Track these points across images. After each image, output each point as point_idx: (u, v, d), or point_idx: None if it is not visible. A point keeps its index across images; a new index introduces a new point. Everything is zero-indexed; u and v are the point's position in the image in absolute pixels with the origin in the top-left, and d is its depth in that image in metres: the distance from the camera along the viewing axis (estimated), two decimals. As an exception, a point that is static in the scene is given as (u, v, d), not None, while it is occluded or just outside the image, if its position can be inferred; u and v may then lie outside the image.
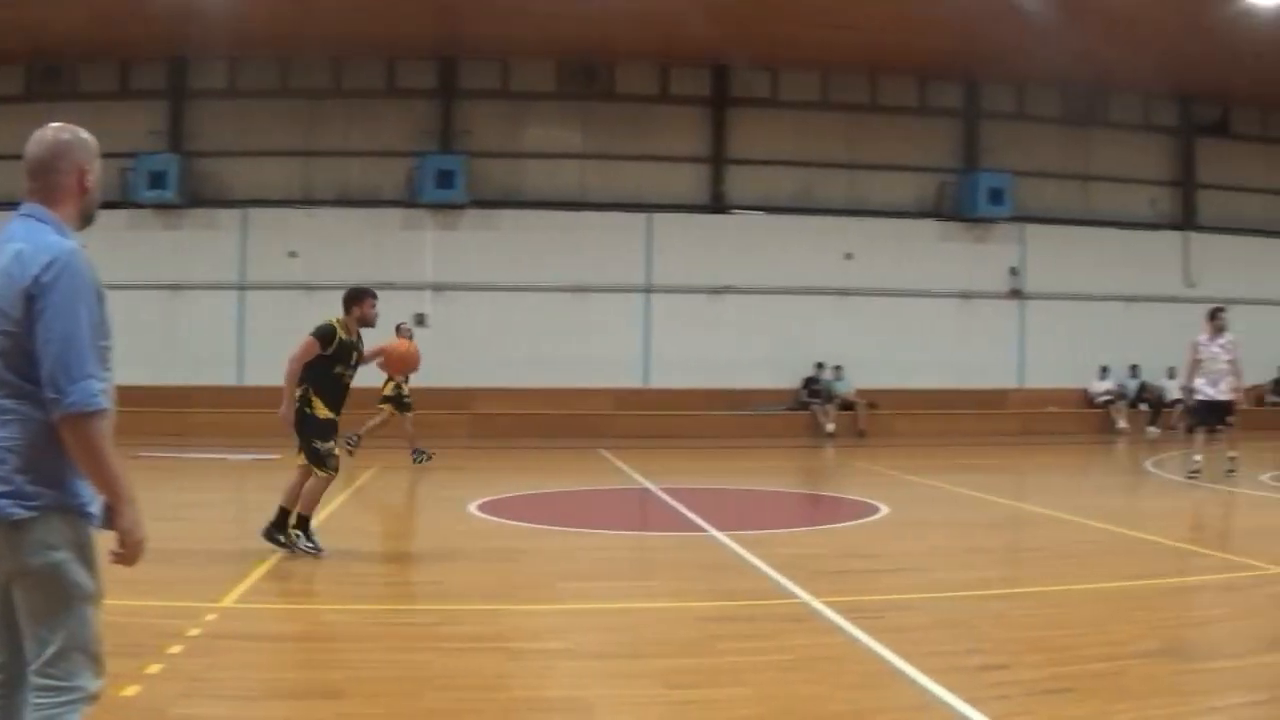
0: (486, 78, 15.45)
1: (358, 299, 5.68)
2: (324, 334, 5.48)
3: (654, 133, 15.43)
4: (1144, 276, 16.38)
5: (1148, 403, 16.27)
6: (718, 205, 15.48)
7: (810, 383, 15.27)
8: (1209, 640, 4.19)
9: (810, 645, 3.95)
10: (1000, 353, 15.87)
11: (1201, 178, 17.08)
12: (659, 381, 15.15)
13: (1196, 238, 16.85)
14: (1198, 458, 9.54)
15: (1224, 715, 3.20)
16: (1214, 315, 9.82)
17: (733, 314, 15.26)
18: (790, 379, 15.29)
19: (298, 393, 5.47)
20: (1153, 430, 15.69)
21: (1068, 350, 15.89)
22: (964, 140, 16.02)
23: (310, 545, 5.44)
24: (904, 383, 15.26)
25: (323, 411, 5.53)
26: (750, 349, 15.06)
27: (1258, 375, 16.72)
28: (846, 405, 15.17)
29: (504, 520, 5.89)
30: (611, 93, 15.50)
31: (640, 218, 15.25)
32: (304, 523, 5.49)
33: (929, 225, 15.74)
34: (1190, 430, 10.01)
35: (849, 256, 15.44)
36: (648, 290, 15.29)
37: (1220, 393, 9.51)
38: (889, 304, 15.47)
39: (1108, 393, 16.14)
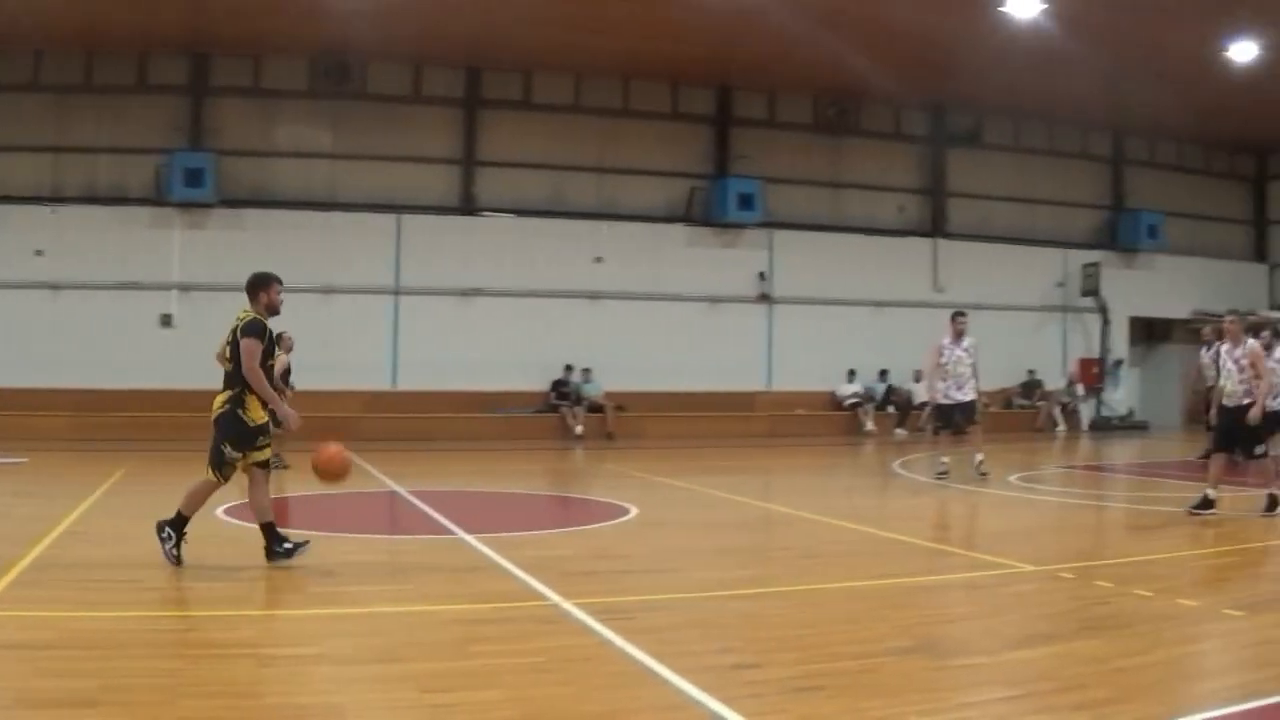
0: (238, 74, 16.76)
1: (264, 284, 5.72)
2: (257, 329, 5.58)
3: (406, 133, 17.03)
4: (893, 281, 18.88)
5: (895, 405, 18.71)
6: (468, 207, 17.21)
7: (559, 385, 17.18)
8: (960, 637, 4.59)
9: (563, 647, 4.22)
10: (749, 356, 18.09)
11: (952, 186, 19.71)
12: (408, 384, 16.81)
13: (945, 244, 19.42)
14: (945, 459, 10.72)
15: (977, 711, 3.49)
16: (955, 319, 10.90)
17: (482, 316, 17.01)
18: (540, 381, 17.16)
19: (230, 394, 5.60)
20: (900, 432, 18.10)
21: (816, 353, 18.21)
22: (715, 146, 18.14)
23: (173, 552, 5.57)
24: (653, 385, 17.27)
25: (257, 414, 5.63)
26: (500, 351, 16.84)
27: (1006, 379, 19.51)
28: (596, 408, 17.11)
29: (250, 524, 5.97)
30: (364, 92, 17.02)
31: (390, 219, 16.86)
32: (180, 523, 5.60)
33: (679, 230, 17.82)
34: (936, 432, 11.19)
35: (599, 260, 17.38)
36: (397, 292, 16.92)
37: (964, 395, 10.72)
38: (639, 307, 17.46)
39: (855, 395, 18.52)
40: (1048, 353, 20.54)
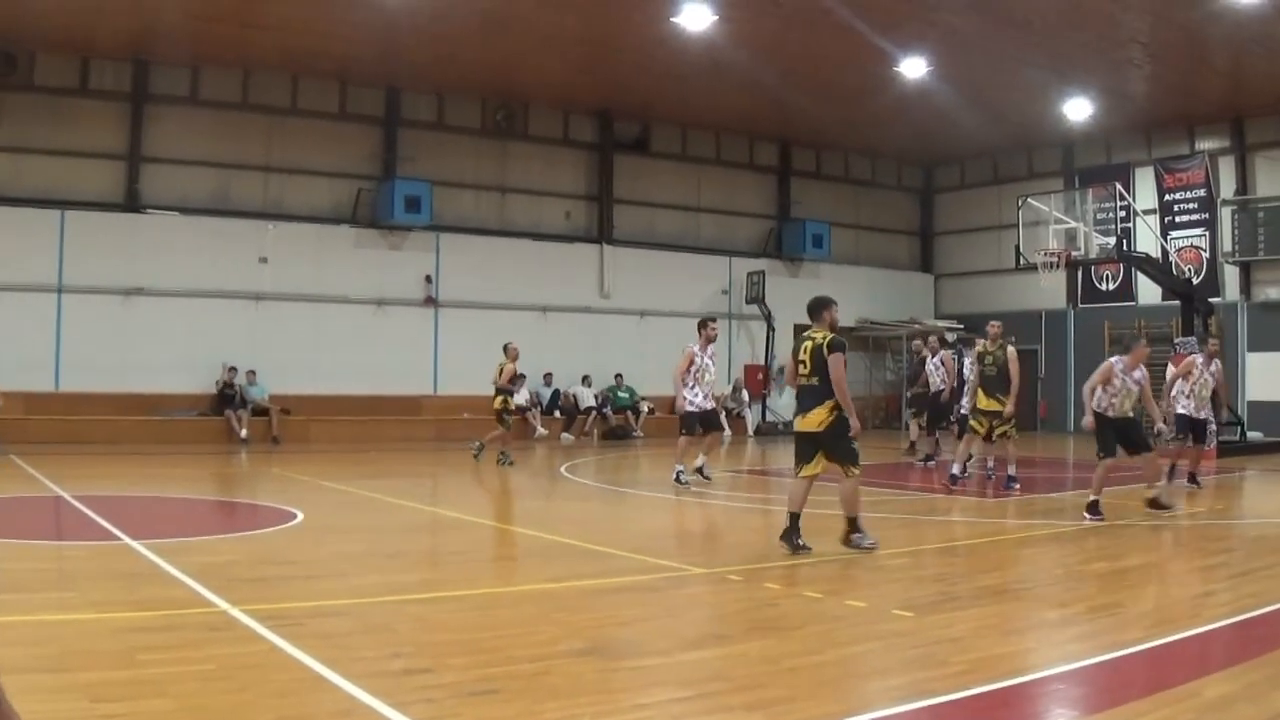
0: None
1: None
2: None
3: (71, 127, 30.55)
4: (560, 287, 35.14)
5: (562, 410, 34.54)
6: (133, 204, 31.04)
7: (224, 388, 31.34)
8: (633, 639, 8.25)
9: (233, 654, 7.22)
10: (416, 359, 33.33)
11: (619, 193, 36.54)
12: (71, 385, 30.21)
13: (612, 250, 35.92)
14: (681, 466, 19.46)
15: (652, 711, 6.38)
16: (706, 325, 19.99)
17: (147, 316, 30.83)
18: (205, 384, 31.27)
19: None
20: (567, 437, 33.97)
21: (483, 358, 33.36)
22: (383, 147, 33.21)
23: None
24: (319, 389, 31.82)
25: None
26: (164, 352, 30.69)
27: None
28: (261, 411, 31.38)
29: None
30: (30, 83, 30.28)
31: (54, 214, 30.26)
32: None
33: (346, 231, 32.68)
34: (690, 437, 19.99)
35: (264, 260, 31.71)
36: (60, 290, 30.33)
37: (708, 401, 19.84)
38: (305, 309, 32.02)
39: (523, 400, 34.12)
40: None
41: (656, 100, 35.46)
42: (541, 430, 33.76)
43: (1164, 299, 34.89)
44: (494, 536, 14.56)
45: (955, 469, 19.64)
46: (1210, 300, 32.63)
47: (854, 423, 12.66)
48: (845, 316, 37.56)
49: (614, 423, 35.01)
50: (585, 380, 34.95)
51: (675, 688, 6.91)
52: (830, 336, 12.69)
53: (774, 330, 38.43)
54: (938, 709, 6.52)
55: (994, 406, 19.52)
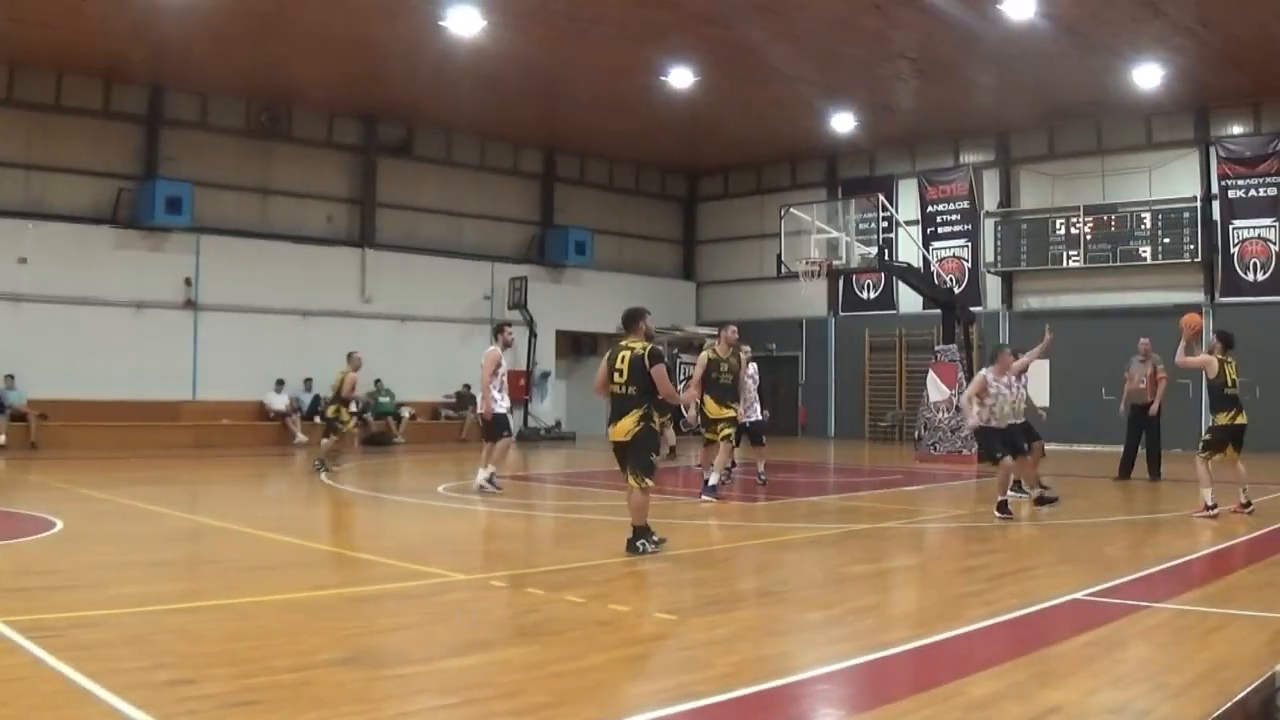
0: None
1: None
2: None
3: None
4: (321, 291, 38.38)
5: (322, 416, 37.61)
6: (-114, 204, 33.15)
7: (-21, 391, 33.66)
8: (396, 647, 8.93)
9: None
10: (175, 364, 36.14)
11: (382, 197, 40.03)
12: None
13: (374, 254, 39.35)
14: (490, 469, 21.25)
15: (417, 719, 7.01)
16: (501, 329, 22.12)
17: (-101, 318, 32.96)
18: (-41, 387, 33.50)
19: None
20: (327, 442, 36.76)
21: (243, 362, 36.60)
22: (145, 147, 35.91)
23: None
24: (79, 393, 34.25)
25: None
26: (-83, 355, 32.88)
27: (436, 390, 39.77)
28: (19, 416, 33.74)
29: None
30: None
31: None
32: None
33: (106, 232, 35.26)
34: (501, 440, 21.63)
35: (23, 261, 34.07)
36: None
37: (499, 406, 21.42)
38: (64, 312, 34.50)
39: (284, 405, 37.10)
40: (476, 364, 40.67)
41: (422, 104, 38.82)
42: (301, 436, 36.72)
43: (925, 307, 39.42)
44: (255, 544, 14.93)
45: (712, 479, 20.56)
46: (972, 309, 36.30)
47: (691, 415, 15.28)
48: (606, 324, 42.23)
49: (375, 428, 37.79)
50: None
51: (438, 695, 7.53)
52: (650, 347, 14.02)
53: (536, 336, 42.34)
54: (703, 711, 7.17)
55: (726, 414, 20.92)
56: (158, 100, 36.36)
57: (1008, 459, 18.18)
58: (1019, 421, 19.03)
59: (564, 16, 29.41)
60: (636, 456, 13.89)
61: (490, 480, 21.52)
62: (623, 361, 13.88)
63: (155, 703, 6.93)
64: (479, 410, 23.01)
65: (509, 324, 22.86)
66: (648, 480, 13.85)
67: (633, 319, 14.50)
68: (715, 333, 33.07)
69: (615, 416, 13.95)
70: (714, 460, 20.86)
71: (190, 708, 6.94)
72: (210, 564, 13.66)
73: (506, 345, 22.14)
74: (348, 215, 40.15)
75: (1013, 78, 34.26)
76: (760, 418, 23.50)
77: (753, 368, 23.32)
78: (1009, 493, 18.31)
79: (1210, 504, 17.82)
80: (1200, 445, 18.64)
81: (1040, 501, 19.52)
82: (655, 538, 13.82)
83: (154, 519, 17.47)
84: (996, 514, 17.84)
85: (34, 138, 34.58)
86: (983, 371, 19.03)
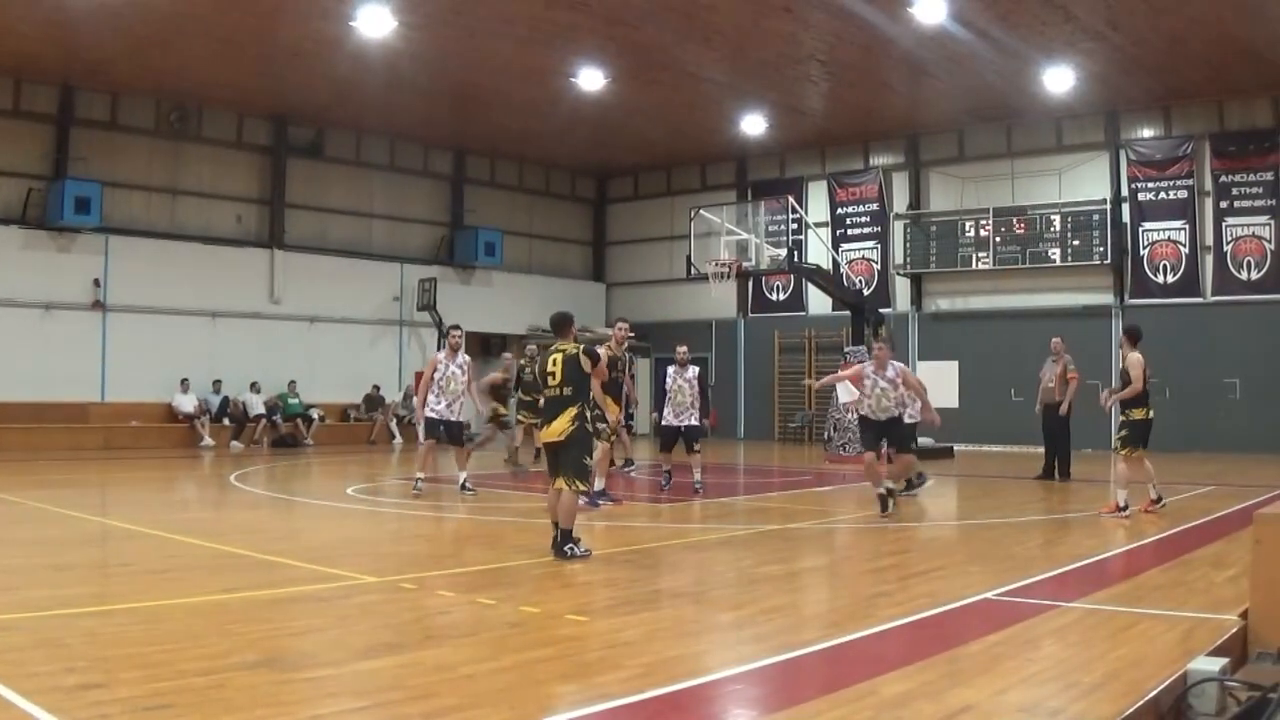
0: None
1: None
2: None
3: None
4: (230, 292, 38.42)
5: (231, 417, 37.74)
6: None
7: (-116, 392, 33.50)
8: (307, 650, 9.01)
9: None
10: (84, 365, 36.07)
11: (291, 197, 40.09)
12: None
13: (283, 255, 39.43)
14: (421, 474, 21.52)
15: None
16: (448, 333, 22.20)
17: None
18: None
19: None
20: (237, 445, 37.20)
21: (152, 364, 36.62)
22: (55, 146, 35.77)
23: None
24: (-15, 395, 34.24)
25: None
26: None
27: (346, 392, 39.98)
28: (-77, 416, 33.67)
29: None
30: None
31: None
32: None
33: (14, 232, 35.16)
34: (430, 443, 21.84)
35: (-71, 263, 34.01)
36: None
37: (453, 412, 21.27)
38: (-30, 313, 34.38)
39: (192, 408, 37.15)
40: (385, 366, 41.78)
41: (332, 105, 38.96)
42: (209, 440, 36.87)
43: (834, 309, 40.12)
44: (164, 547, 14.76)
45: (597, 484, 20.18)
46: (881, 310, 36.69)
47: (612, 418, 15.47)
48: (515, 325, 42.55)
49: (284, 430, 38.13)
50: (254, 387, 38.21)
51: (350, 698, 7.54)
52: (584, 345, 14.21)
53: (445, 337, 41.93)
54: (615, 712, 7.21)
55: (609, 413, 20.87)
56: (68, 100, 36.32)
57: (869, 453, 18.84)
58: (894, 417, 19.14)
59: (474, 18, 29.78)
60: (570, 457, 13.94)
61: (416, 484, 21.66)
62: (555, 364, 13.99)
63: (66, 707, 6.97)
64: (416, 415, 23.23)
65: (455, 327, 22.65)
66: (579, 483, 13.97)
67: (563, 324, 14.64)
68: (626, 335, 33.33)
69: (549, 418, 14.03)
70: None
71: (102, 712, 6.96)
72: (120, 567, 13.71)
73: (454, 349, 21.96)
74: (257, 216, 40.23)
75: (924, 80, 35.04)
76: (696, 423, 23.02)
77: (691, 371, 23.13)
78: (900, 491, 19.22)
79: (1122, 505, 18.10)
80: (1119, 443, 18.99)
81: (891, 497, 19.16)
82: (583, 547, 13.80)
83: (62, 522, 17.60)
84: (885, 505, 18.44)
85: (-58, 138, 34.53)
86: (863, 364, 19.67)
